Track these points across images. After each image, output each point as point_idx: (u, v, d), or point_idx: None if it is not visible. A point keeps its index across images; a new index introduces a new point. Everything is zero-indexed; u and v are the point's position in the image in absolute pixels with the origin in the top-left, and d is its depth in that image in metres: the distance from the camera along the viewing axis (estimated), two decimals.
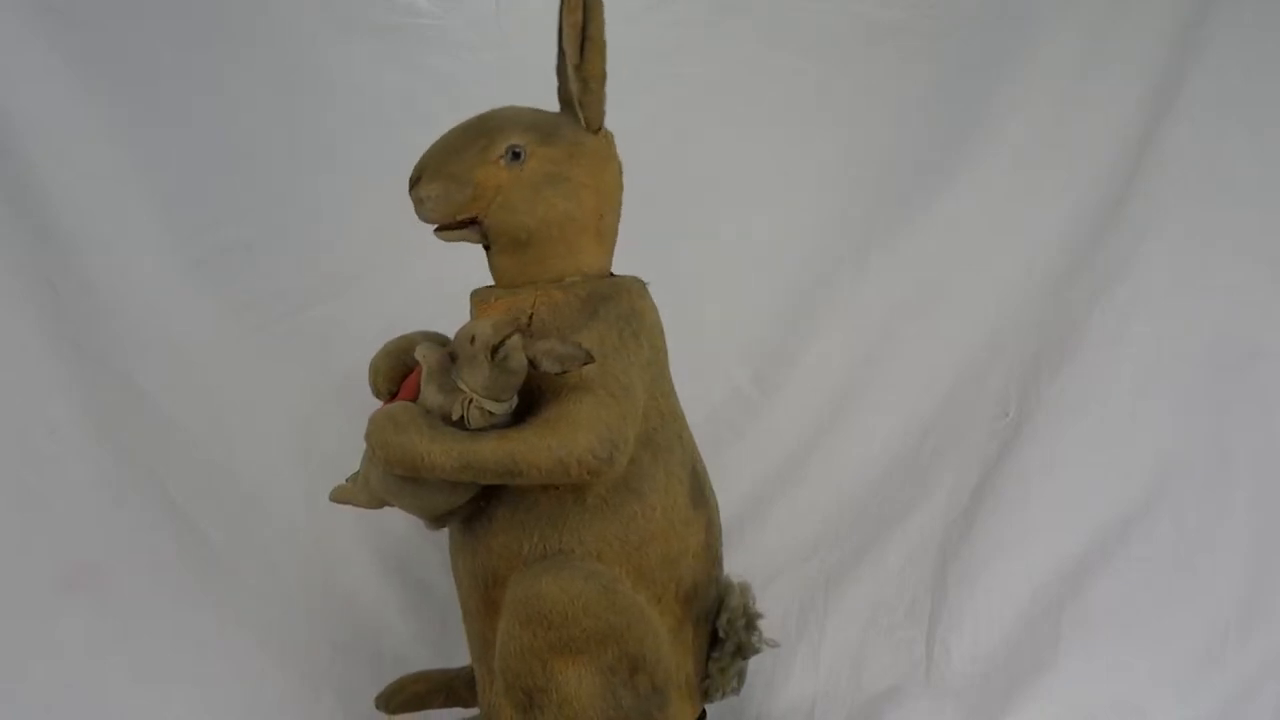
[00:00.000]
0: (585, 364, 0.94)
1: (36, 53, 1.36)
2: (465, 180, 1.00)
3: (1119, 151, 1.49)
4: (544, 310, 1.00)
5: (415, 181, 1.02)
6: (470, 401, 0.96)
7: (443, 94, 1.44)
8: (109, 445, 1.37)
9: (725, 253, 1.55)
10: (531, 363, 0.95)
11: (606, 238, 1.05)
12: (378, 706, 1.16)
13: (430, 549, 1.43)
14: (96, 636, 1.29)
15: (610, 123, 1.05)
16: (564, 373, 0.95)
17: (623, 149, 1.06)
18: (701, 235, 1.53)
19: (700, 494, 1.05)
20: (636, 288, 1.04)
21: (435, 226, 1.04)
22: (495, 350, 0.94)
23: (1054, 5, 1.49)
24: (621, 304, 1.01)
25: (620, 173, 1.06)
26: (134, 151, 1.41)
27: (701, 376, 1.50)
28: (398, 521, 1.38)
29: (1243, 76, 1.44)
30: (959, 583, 1.42)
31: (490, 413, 0.96)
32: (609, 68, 1.01)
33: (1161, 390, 1.45)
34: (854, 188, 1.55)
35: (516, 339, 0.95)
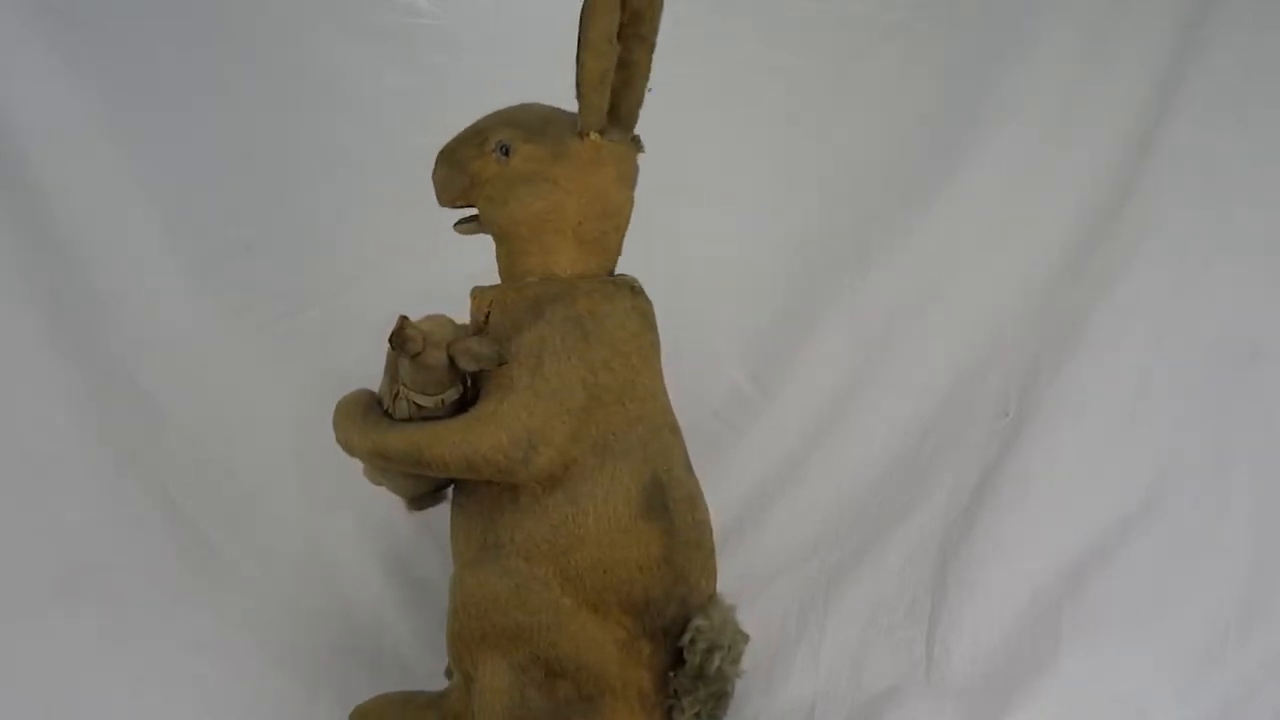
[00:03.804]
0: (500, 364, 0.96)
1: (36, 53, 1.37)
2: (463, 169, 1.03)
3: (1119, 151, 1.49)
4: (497, 310, 1.02)
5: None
6: (397, 394, 0.99)
7: (443, 94, 1.44)
8: (109, 445, 1.37)
9: (725, 253, 1.55)
10: (452, 360, 0.97)
11: (590, 244, 1.03)
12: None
13: (430, 548, 1.43)
14: (96, 636, 1.29)
15: None
16: (481, 371, 0.98)
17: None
18: (701, 235, 1.53)
19: (658, 505, 1.01)
20: (602, 289, 1.02)
21: (455, 221, 1.07)
22: (392, 341, 0.95)
23: (1054, 5, 1.49)
24: (575, 305, 1.00)
25: (620, 182, 1.04)
26: (134, 152, 1.42)
27: (701, 376, 1.50)
28: (399, 520, 1.39)
29: (1243, 76, 1.44)
30: (959, 583, 1.42)
31: (419, 405, 0.98)
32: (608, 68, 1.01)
33: (1161, 390, 1.45)
34: (854, 187, 1.55)
35: (437, 335, 0.96)
